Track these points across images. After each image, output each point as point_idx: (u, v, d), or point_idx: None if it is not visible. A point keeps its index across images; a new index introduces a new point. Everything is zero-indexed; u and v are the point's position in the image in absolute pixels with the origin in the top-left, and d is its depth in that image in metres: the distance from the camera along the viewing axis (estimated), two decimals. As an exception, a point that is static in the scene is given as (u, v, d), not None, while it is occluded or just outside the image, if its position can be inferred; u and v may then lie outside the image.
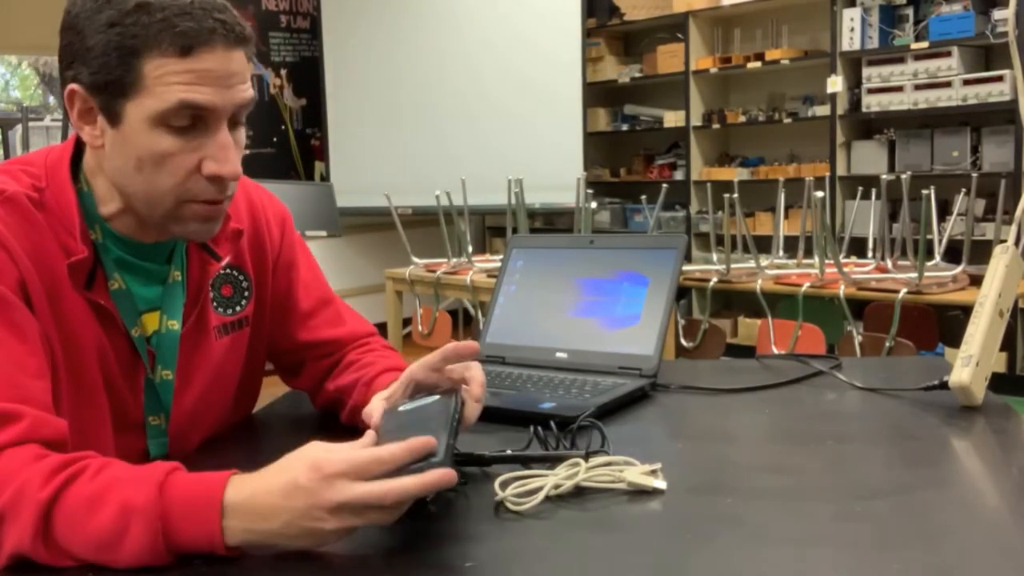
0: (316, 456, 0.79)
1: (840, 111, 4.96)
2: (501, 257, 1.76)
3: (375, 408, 1.00)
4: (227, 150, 0.98)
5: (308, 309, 1.26)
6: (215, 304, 1.14)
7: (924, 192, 2.77)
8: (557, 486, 0.92)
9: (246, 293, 1.18)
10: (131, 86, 0.94)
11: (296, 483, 0.78)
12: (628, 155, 6.23)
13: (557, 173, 4.92)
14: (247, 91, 0.99)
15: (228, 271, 1.16)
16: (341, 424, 1.23)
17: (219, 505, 0.79)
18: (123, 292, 1.05)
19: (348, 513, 0.78)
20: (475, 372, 1.04)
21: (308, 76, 5.81)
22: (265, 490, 0.79)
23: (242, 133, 1.02)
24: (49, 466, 0.83)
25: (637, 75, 5.86)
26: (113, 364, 1.04)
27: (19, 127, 5.22)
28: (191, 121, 0.96)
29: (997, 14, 4.42)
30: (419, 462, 0.80)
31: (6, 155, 5.27)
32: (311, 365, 1.27)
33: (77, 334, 1.00)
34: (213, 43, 0.94)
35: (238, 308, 1.17)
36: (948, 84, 4.58)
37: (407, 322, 4.21)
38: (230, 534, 0.79)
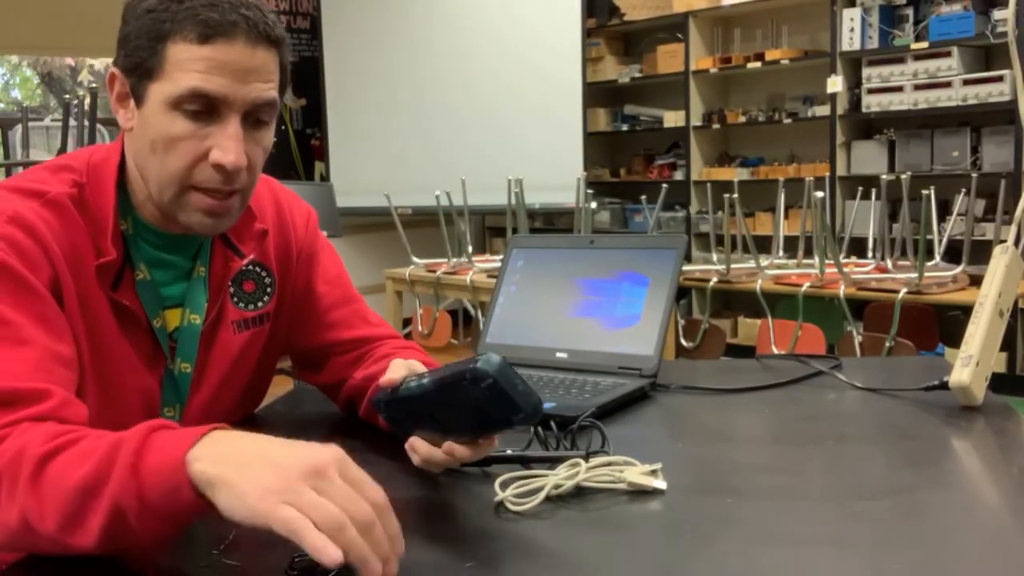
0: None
1: (840, 111, 4.96)
2: (501, 257, 1.76)
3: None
4: (234, 141, 1.00)
5: (332, 303, 1.25)
6: (235, 299, 1.16)
7: (924, 192, 2.77)
8: (557, 486, 0.92)
9: (268, 290, 1.19)
10: (155, 69, 0.99)
11: (299, 442, 0.73)
12: (628, 155, 6.23)
13: (557, 173, 4.92)
14: (268, 91, 1.01)
15: (252, 267, 1.18)
16: (342, 426, 1.23)
17: (197, 435, 0.74)
18: (148, 283, 1.07)
19: (318, 480, 0.68)
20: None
21: (308, 76, 5.81)
22: (258, 435, 0.74)
23: (267, 134, 1.04)
24: (51, 428, 0.82)
25: (637, 75, 5.86)
26: (137, 361, 1.06)
27: (19, 127, 5.21)
28: (204, 108, 0.99)
29: (997, 14, 4.42)
30: None
31: (6, 155, 5.26)
32: (335, 360, 1.24)
33: (104, 333, 1.03)
34: (234, 35, 0.97)
35: (259, 304, 1.18)
36: (948, 84, 4.58)
37: (407, 322, 4.21)
38: (194, 457, 0.72)
